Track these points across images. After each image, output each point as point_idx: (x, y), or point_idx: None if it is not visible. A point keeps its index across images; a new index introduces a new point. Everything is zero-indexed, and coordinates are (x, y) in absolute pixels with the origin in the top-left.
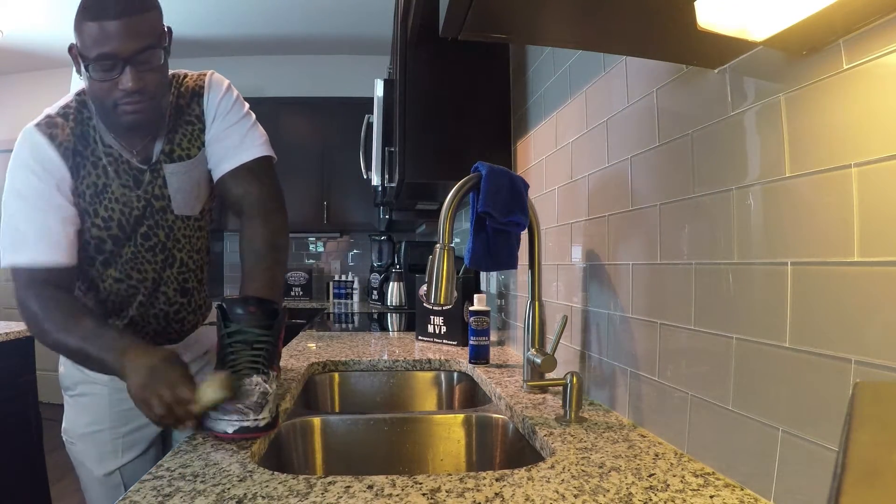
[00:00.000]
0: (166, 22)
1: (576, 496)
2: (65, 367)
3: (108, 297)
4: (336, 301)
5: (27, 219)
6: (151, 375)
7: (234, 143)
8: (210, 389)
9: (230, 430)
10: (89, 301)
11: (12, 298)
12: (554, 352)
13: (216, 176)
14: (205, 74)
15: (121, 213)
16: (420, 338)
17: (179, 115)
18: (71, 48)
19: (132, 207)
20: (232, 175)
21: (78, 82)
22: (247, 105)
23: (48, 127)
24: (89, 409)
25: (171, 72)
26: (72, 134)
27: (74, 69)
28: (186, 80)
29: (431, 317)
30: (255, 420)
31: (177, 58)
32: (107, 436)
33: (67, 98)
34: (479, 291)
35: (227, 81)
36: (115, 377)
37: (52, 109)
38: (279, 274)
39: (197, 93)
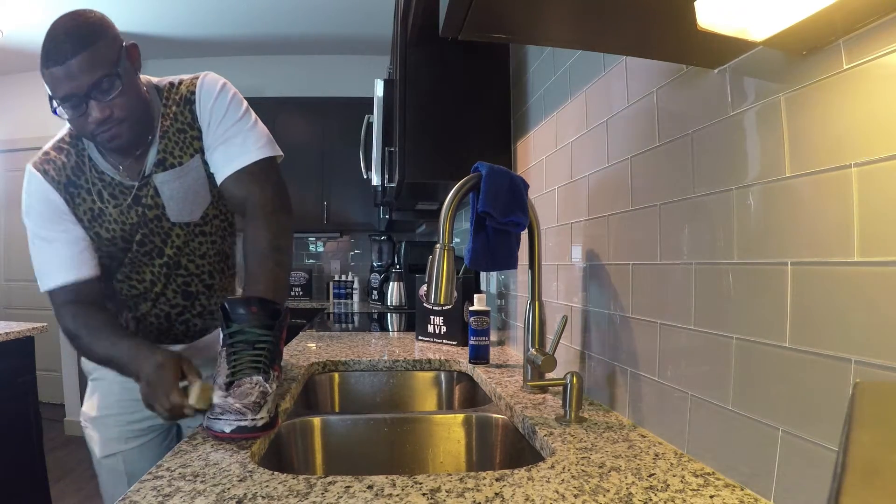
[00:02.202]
0: (166, 23)
1: (576, 496)
2: None
3: (119, 295)
4: (336, 301)
5: (43, 251)
6: (150, 383)
7: (233, 147)
8: (193, 397)
9: (227, 430)
10: (108, 300)
11: (13, 299)
12: (554, 352)
13: (219, 181)
14: (198, 77)
15: (120, 229)
16: (420, 338)
17: (173, 122)
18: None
19: (128, 222)
20: (233, 179)
21: None
22: (244, 104)
23: (42, 164)
24: (103, 395)
25: (167, 79)
26: (64, 167)
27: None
28: (181, 86)
29: (431, 317)
30: (254, 420)
31: (176, 58)
32: (112, 421)
33: (63, 131)
34: (479, 291)
35: (220, 82)
36: None
37: (49, 144)
38: (282, 275)
39: (189, 99)
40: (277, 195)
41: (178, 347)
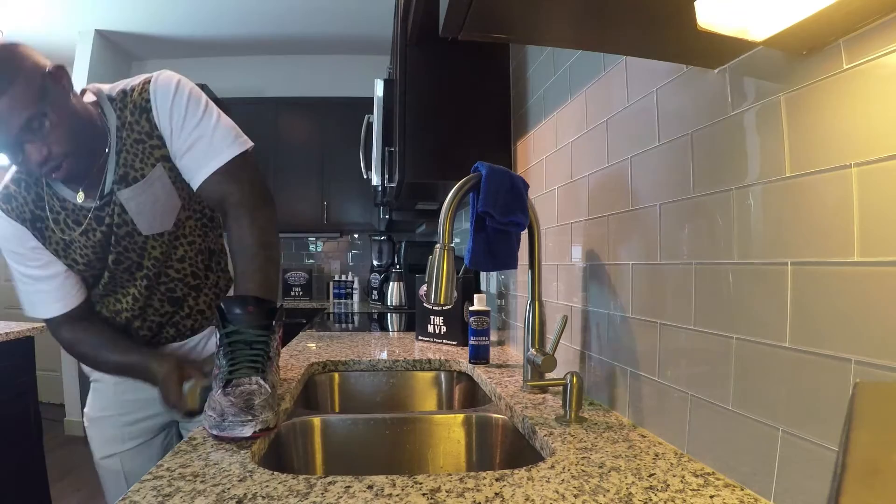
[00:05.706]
0: (166, 23)
1: (576, 496)
2: None
3: (103, 310)
4: (336, 301)
5: (27, 286)
6: (162, 388)
7: (200, 151)
8: (187, 398)
9: (236, 433)
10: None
11: (13, 298)
12: (554, 352)
13: (194, 187)
14: (150, 81)
15: (92, 253)
16: (420, 338)
17: (129, 133)
18: None
19: (97, 243)
20: (208, 183)
21: (82, 81)
22: (203, 99)
23: (4, 202)
24: (101, 396)
25: (119, 85)
26: (26, 202)
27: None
28: (133, 94)
29: (431, 317)
30: (255, 420)
31: (176, 58)
32: (113, 422)
33: None
34: (479, 291)
35: (174, 81)
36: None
37: (8, 176)
38: (273, 272)
39: (144, 108)
40: (255, 190)
41: (173, 346)
